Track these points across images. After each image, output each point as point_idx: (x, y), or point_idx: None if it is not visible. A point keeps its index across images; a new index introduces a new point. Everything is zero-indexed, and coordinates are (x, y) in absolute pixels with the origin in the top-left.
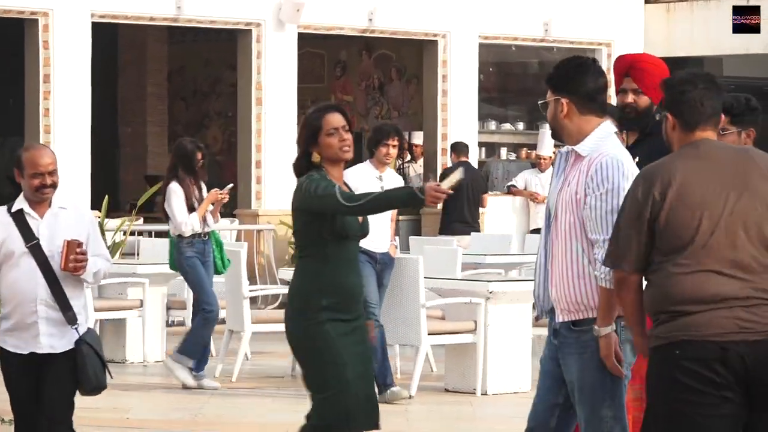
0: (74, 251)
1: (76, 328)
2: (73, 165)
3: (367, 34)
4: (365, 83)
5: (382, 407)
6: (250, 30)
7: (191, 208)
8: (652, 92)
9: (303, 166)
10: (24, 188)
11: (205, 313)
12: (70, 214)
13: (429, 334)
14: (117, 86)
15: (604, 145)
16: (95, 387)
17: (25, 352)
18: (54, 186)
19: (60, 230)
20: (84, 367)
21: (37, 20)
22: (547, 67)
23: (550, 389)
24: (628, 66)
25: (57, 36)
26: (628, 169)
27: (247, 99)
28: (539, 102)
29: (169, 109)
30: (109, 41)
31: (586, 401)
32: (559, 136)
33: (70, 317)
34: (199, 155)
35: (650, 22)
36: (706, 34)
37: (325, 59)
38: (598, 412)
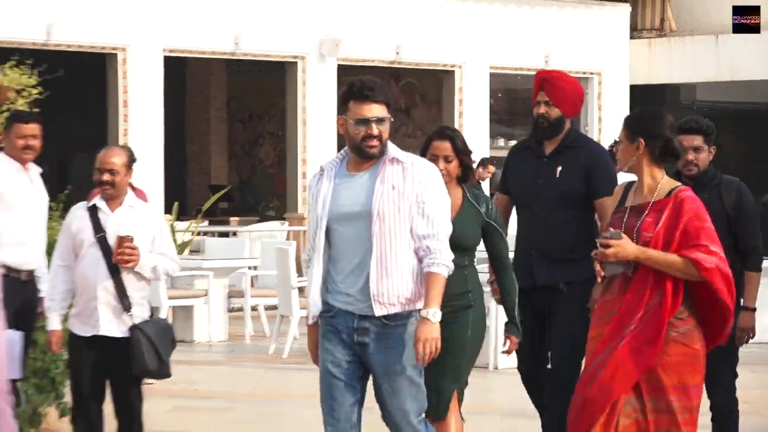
0: (123, 245)
1: (130, 315)
2: (149, 177)
3: (395, 66)
4: (393, 107)
5: None
6: (297, 62)
7: None
8: (562, 105)
9: None
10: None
11: None
12: (139, 213)
13: None
14: (185, 111)
15: (411, 154)
16: (142, 370)
17: (88, 335)
18: (112, 184)
19: (126, 226)
20: (132, 350)
21: (116, 54)
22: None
23: (347, 390)
24: (542, 81)
25: (133, 67)
26: (438, 175)
27: (294, 121)
28: (383, 117)
29: (229, 129)
30: (178, 72)
31: (406, 387)
32: (380, 149)
33: (125, 304)
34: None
35: (634, 54)
36: (682, 64)
37: None
38: (417, 391)
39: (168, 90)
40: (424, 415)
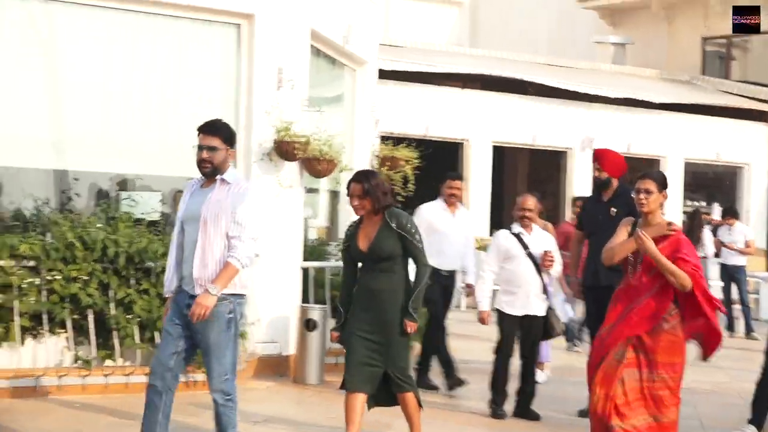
0: (547, 256)
1: (547, 300)
2: (479, 209)
3: (627, 154)
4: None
5: None
6: (566, 152)
7: None
8: (610, 171)
9: None
10: (515, 218)
11: None
12: (542, 235)
13: None
14: (502, 177)
15: (239, 177)
16: (557, 335)
17: (521, 314)
18: (532, 219)
19: (542, 244)
20: (550, 322)
21: (463, 143)
22: (713, 174)
23: (170, 343)
24: (597, 156)
25: (474, 151)
26: (253, 194)
27: (565, 189)
28: (212, 146)
29: (528, 188)
30: (499, 155)
31: (214, 352)
32: (218, 171)
33: (547, 294)
34: None
35: None
36: None
37: None
38: (223, 358)
39: (493, 166)
40: (229, 375)
